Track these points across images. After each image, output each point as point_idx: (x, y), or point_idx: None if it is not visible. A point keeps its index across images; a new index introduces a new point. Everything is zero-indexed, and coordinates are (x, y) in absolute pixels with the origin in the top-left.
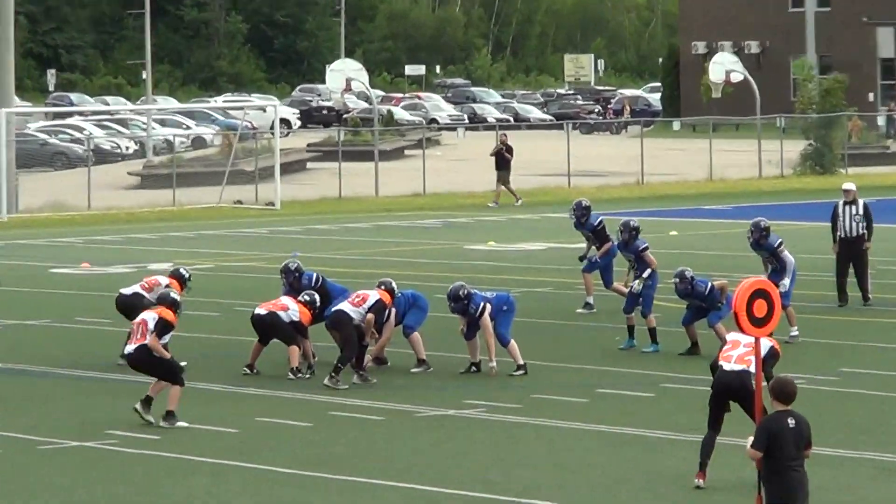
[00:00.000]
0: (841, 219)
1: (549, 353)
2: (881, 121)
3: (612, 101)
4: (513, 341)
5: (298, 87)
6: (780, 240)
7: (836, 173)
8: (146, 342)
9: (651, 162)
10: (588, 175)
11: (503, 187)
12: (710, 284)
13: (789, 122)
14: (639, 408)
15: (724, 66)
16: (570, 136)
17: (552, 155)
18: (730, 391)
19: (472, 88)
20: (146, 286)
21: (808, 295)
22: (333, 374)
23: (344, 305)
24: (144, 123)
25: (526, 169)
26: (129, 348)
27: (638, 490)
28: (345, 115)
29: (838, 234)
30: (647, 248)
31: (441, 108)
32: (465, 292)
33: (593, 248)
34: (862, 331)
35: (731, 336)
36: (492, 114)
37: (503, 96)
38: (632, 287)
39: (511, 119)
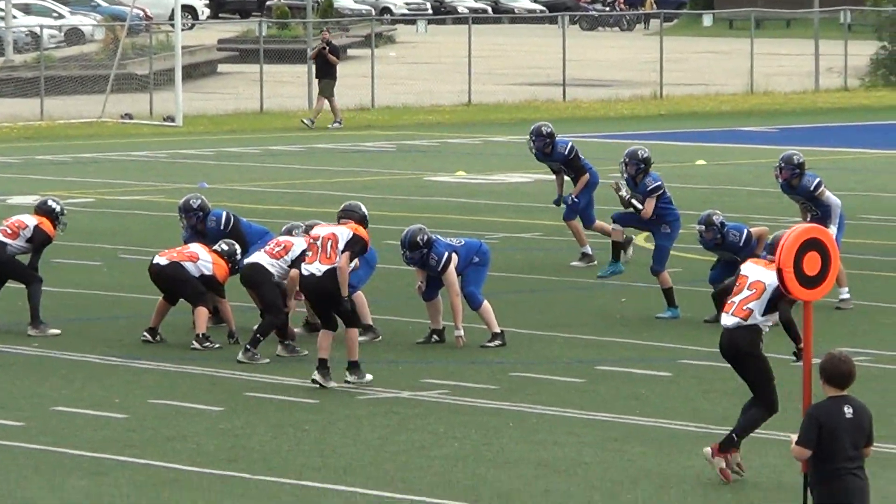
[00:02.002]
0: None
1: (535, 319)
2: None
3: None
4: (486, 303)
5: None
6: (818, 179)
7: None
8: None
9: (673, 68)
10: (590, 84)
11: (326, 101)
12: (745, 232)
13: (857, 17)
14: (650, 391)
15: None
16: (566, 32)
17: (543, 58)
18: (725, 355)
19: None
20: (8, 231)
21: (872, 246)
22: (250, 347)
23: (260, 256)
24: (1, 10)
25: (508, 77)
26: None
27: (647, 497)
28: (268, 2)
29: None
30: (659, 188)
31: None
32: (425, 238)
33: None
34: None
35: (744, 269)
36: (463, 2)
37: None
38: (620, 192)
39: (489, 9)
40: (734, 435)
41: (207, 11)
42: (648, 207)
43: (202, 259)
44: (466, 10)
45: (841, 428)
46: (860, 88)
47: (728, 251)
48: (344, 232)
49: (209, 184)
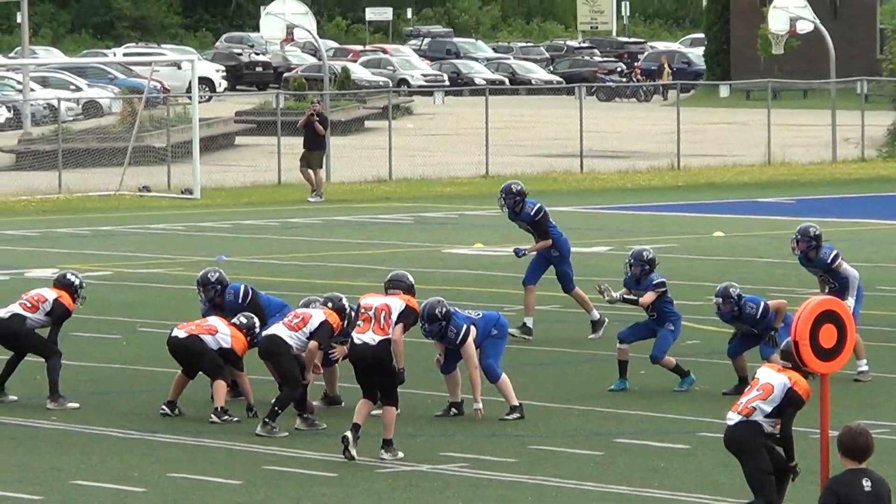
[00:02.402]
0: None
1: (553, 392)
2: None
3: (641, 57)
4: (504, 376)
5: (224, 37)
6: (835, 251)
7: None
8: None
9: (690, 139)
10: (607, 156)
11: (311, 172)
12: (763, 304)
13: (874, 88)
14: (670, 464)
15: (789, 12)
16: (583, 103)
17: (560, 129)
18: (728, 450)
19: (455, 39)
20: (27, 305)
21: (891, 317)
22: (268, 420)
23: (278, 328)
24: (19, 83)
25: (526, 148)
26: None
27: None
28: (285, 74)
29: None
30: (664, 285)
31: (413, 65)
32: (444, 311)
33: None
34: None
35: (759, 372)
36: (480, 74)
37: (496, 50)
38: (607, 298)
39: (506, 80)
40: None
41: (225, 84)
42: (648, 297)
43: (220, 332)
44: (483, 82)
45: (859, 501)
46: (878, 159)
47: (745, 324)
48: (396, 303)
49: (227, 256)
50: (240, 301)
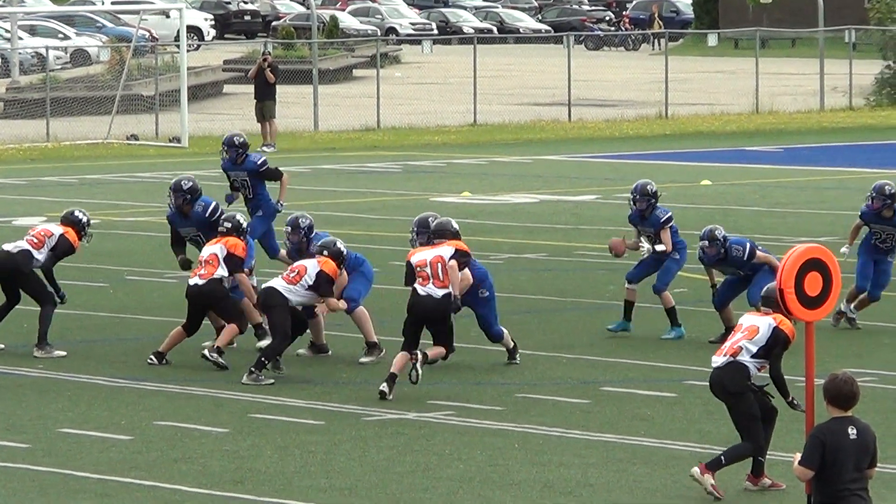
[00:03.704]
0: None
1: (540, 340)
2: None
3: (630, 5)
4: (505, 331)
5: None
6: (669, 217)
7: None
8: None
9: (678, 88)
10: (595, 105)
11: (269, 123)
12: (749, 246)
13: (862, 37)
14: (656, 412)
15: None
16: (571, 52)
17: (548, 78)
18: (714, 393)
19: None
20: (34, 241)
21: None
22: (254, 370)
23: (277, 282)
24: (7, 32)
25: (514, 97)
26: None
27: None
28: (274, 23)
29: None
30: (671, 218)
31: (401, 13)
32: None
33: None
34: None
35: (742, 319)
36: (469, 22)
37: None
38: (642, 249)
39: (495, 29)
40: (722, 458)
41: (213, 32)
42: (667, 241)
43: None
44: (472, 31)
45: (844, 449)
46: (865, 108)
47: (732, 266)
48: (446, 251)
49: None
50: (207, 215)
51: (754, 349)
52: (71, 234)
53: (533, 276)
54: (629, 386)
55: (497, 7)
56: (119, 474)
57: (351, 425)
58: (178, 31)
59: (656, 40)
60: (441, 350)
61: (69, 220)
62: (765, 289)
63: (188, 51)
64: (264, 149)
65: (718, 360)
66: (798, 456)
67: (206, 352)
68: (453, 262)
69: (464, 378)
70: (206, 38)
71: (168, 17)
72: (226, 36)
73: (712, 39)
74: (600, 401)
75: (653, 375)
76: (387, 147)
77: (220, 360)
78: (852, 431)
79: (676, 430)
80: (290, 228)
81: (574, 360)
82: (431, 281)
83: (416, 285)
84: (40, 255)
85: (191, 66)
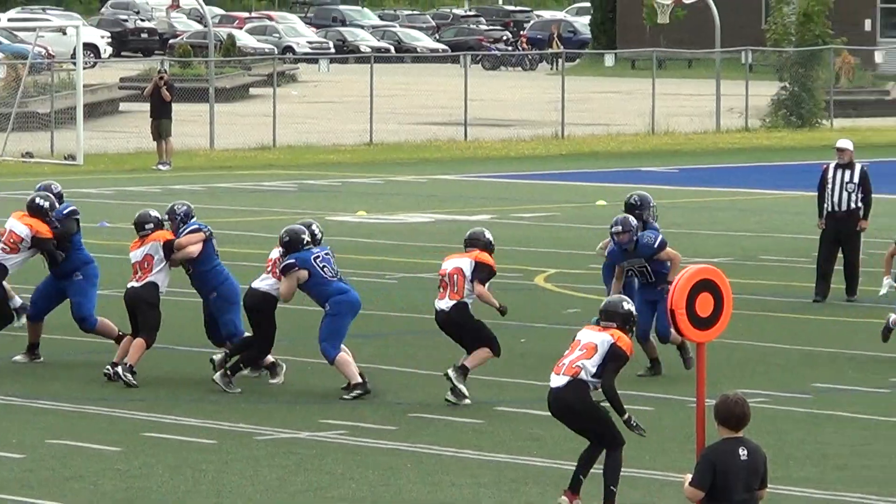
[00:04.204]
0: (830, 186)
1: (434, 359)
2: (879, 57)
3: (527, 25)
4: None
5: (110, 3)
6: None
7: (817, 126)
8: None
9: (575, 108)
10: (491, 124)
11: (165, 141)
12: (659, 236)
13: (758, 58)
14: (548, 432)
15: None
16: (468, 71)
17: (445, 97)
18: (556, 415)
19: (341, 7)
20: (7, 249)
21: (770, 287)
22: (230, 373)
23: (266, 282)
24: None
25: (411, 116)
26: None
27: None
28: (171, 41)
29: (825, 206)
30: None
31: (299, 32)
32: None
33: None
34: (843, 335)
35: (579, 335)
36: (366, 41)
37: (381, 18)
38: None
39: (392, 49)
40: (611, 487)
41: (110, 50)
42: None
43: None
44: (369, 50)
45: (735, 470)
46: (761, 129)
47: (639, 257)
48: (466, 263)
49: (110, 223)
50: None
51: (594, 369)
52: (40, 228)
53: (427, 296)
54: (523, 406)
55: (394, 26)
56: (10, 493)
57: (243, 444)
58: (75, 49)
59: (554, 60)
60: (483, 354)
61: (33, 210)
62: (604, 302)
63: (84, 68)
64: (160, 167)
65: (558, 379)
66: (689, 476)
67: (118, 370)
68: (478, 287)
69: (359, 399)
70: (102, 56)
71: (65, 34)
72: (123, 54)
73: (609, 60)
74: (493, 421)
75: (546, 395)
76: (283, 166)
77: (132, 379)
78: (743, 452)
79: (569, 450)
80: (167, 216)
81: (468, 379)
82: (448, 293)
83: (436, 300)
84: (19, 258)
85: (87, 83)
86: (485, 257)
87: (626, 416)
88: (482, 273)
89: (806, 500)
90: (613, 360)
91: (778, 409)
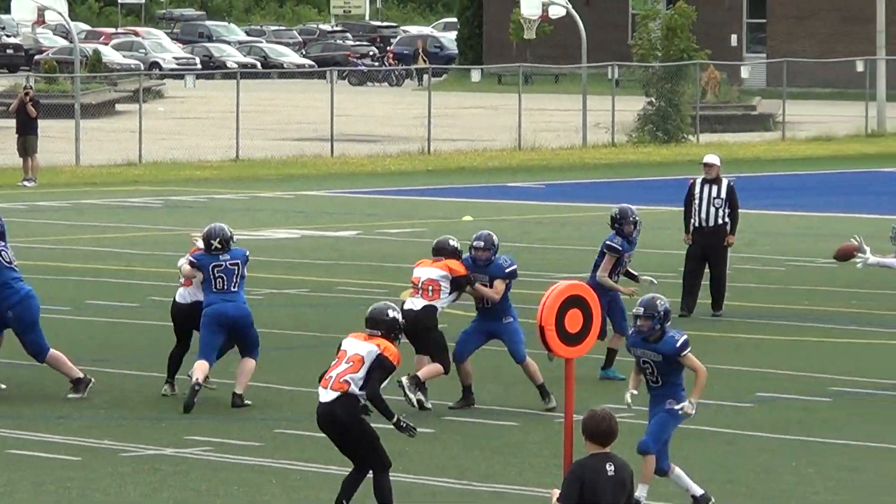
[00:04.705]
0: (697, 201)
1: (300, 376)
2: (745, 72)
3: (394, 41)
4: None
5: None
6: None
7: (683, 141)
8: None
9: (441, 124)
10: (358, 140)
11: (31, 158)
12: (513, 266)
13: (625, 73)
14: (415, 448)
15: None
16: (335, 87)
17: (312, 113)
18: (324, 429)
19: (208, 23)
20: None
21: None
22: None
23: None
24: None
25: (277, 132)
26: None
27: None
28: (36, 56)
29: (692, 221)
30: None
31: (165, 48)
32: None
33: None
34: (708, 350)
35: (344, 344)
36: (233, 57)
37: (248, 34)
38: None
39: (258, 64)
40: (343, 502)
41: None
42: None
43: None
44: (235, 65)
45: (602, 485)
46: (627, 144)
47: (487, 274)
48: (436, 273)
49: None
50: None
51: (361, 381)
52: None
53: (293, 312)
54: (387, 421)
55: (261, 42)
56: None
57: (108, 461)
58: None
59: (420, 76)
60: (436, 369)
61: None
62: (370, 309)
63: None
64: (25, 183)
65: (327, 394)
66: (556, 492)
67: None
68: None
69: (223, 414)
70: None
71: None
72: None
73: (476, 75)
74: None
75: (412, 411)
76: (148, 182)
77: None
78: (610, 468)
79: (434, 466)
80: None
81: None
82: (420, 294)
83: (405, 299)
84: None
85: None
86: (456, 266)
87: (395, 418)
88: (456, 284)
89: None
90: (380, 369)
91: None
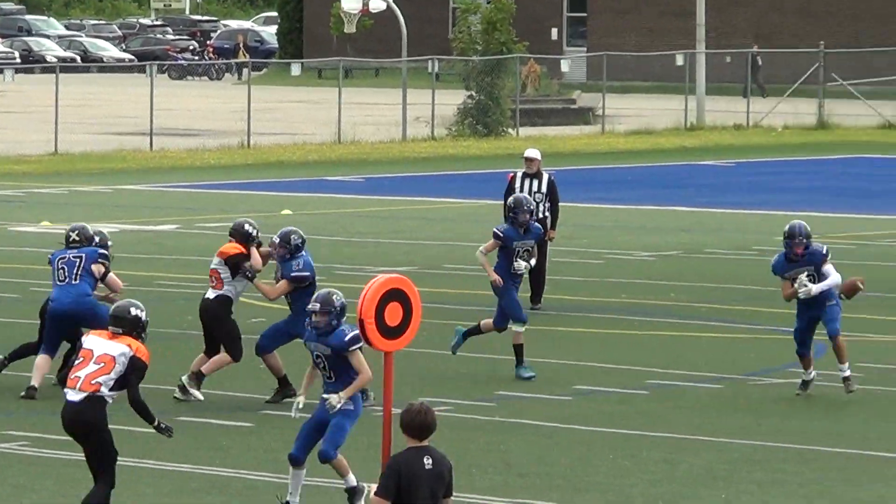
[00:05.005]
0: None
1: None
2: (565, 66)
3: (214, 35)
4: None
5: None
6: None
7: (503, 135)
8: None
9: (261, 117)
10: (178, 134)
11: None
12: (308, 267)
13: (445, 67)
14: (233, 442)
15: None
16: (154, 81)
17: (132, 107)
18: (70, 430)
19: (27, 17)
20: None
21: (454, 295)
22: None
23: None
24: None
25: (97, 126)
26: None
27: None
28: None
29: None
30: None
31: None
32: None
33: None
34: (527, 343)
35: (87, 342)
36: (52, 51)
37: (68, 28)
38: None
39: (78, 58)
40: None
41: None
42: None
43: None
44: (55, 59)
45: (420, 478)
46: (447, 138)
47: (284, 267)
48: (215, 261)
49: None
50: None
51: (112, 383)
52: None
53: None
54: (206, 416)
55: (81, 36)
56: None
57: None
58: None
59: (240, 70)
60: (223, 359)
61: None
62: (113, 307)
63: None
64: None
65: (75, 394)
66: (374, 486)
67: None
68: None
69: (41, 408)
70: None
71: None
72: None
73: (296, 69)
74: (176, 430)
75: (228, 404)
76: None
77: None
78: (428, 461)
79: (252, 460)
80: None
81: (152, 390)
82: (214, 283)
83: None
84: None
85: None
86: (227, 248)
87: (155, 422)
88: (235, 264)
89: None
90: (135, 371)
91: (463, 417)
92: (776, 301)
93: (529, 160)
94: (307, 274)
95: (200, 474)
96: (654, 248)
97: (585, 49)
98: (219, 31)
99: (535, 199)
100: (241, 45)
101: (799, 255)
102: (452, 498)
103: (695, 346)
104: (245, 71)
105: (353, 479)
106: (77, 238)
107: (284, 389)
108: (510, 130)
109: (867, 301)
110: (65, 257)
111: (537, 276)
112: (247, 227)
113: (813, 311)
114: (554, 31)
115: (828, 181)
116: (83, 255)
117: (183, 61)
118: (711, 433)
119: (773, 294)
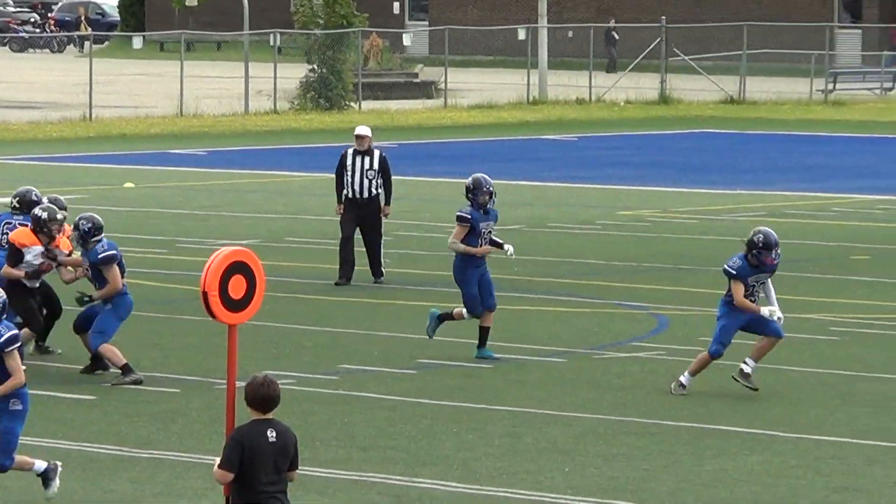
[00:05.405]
0: (349, 173)
1: None
2: (407, 39)
3: (55, 7)
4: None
5: None
6: None
7: (346, 108)
8: None
9: (103, 90)
10: (19, 107)
11: None
12: (112, 252)
13: (287, 41)
14: (76, 414)
15: None
16: None
17: None
18: None
19: None
20: None
21: (297, 269)
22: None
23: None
24: None
25: None
26: None
27: None
28: None
29: (345, 192)
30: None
31: None
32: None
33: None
34: (369, 317)
35: None
36: None
37: None
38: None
39: None
40: None
41: None
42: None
43: None
44: None
45: (263, 451)
46: (290, 112)
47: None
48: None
49: None
50: None
51: None
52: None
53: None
54: (50, 389)
55: None
56: None
57: None
58: None
59: (82, 42)
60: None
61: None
62: None
63: None
64: None
65: None
66: (218, 459)
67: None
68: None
69: None
70: None
71: None
72: None
73: (137, 42)
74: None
75: (73, 378)
76: None
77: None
78: (272, 434)
79: (94, 433)
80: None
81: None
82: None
83: None
84: None
85: None
86: (15, 235)
87: None
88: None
89: (333, 482)
90: None
91: (306, 390)
92: (619, 275)
93: (360, 137)
94: (114, 252)
95: (44, 447)
96: (497, 222)
97: (427, 23)
98: (60, 4)
99: (367, 177)
100: (83, 18)
101: (772, 265)
102: (297, 471)
103: (538, 321)
104: (87, 44)
105: (41, 464)
106: (17, 205)
107: (97, 364)
108: (352, 104)
109: (709, 276)
110: (10, 222)
111: (372, 251)
112: (28, 195)
113: (748, 316)
114: (396, 5)
115: (670, 156)
116: (13, 223)
117: (24, 34)
118: (556, 407)
119: (616, 268)
